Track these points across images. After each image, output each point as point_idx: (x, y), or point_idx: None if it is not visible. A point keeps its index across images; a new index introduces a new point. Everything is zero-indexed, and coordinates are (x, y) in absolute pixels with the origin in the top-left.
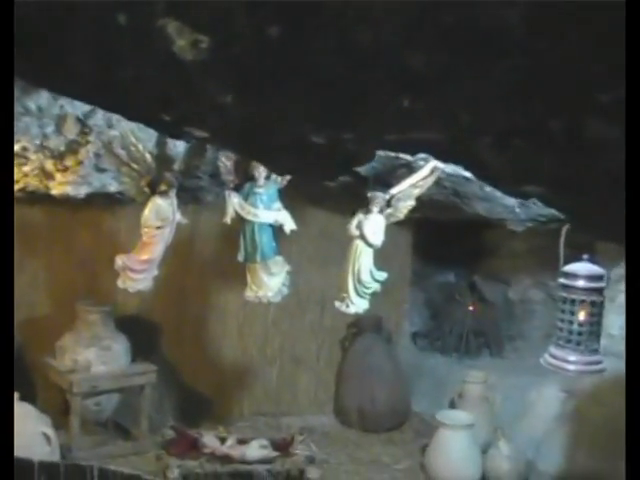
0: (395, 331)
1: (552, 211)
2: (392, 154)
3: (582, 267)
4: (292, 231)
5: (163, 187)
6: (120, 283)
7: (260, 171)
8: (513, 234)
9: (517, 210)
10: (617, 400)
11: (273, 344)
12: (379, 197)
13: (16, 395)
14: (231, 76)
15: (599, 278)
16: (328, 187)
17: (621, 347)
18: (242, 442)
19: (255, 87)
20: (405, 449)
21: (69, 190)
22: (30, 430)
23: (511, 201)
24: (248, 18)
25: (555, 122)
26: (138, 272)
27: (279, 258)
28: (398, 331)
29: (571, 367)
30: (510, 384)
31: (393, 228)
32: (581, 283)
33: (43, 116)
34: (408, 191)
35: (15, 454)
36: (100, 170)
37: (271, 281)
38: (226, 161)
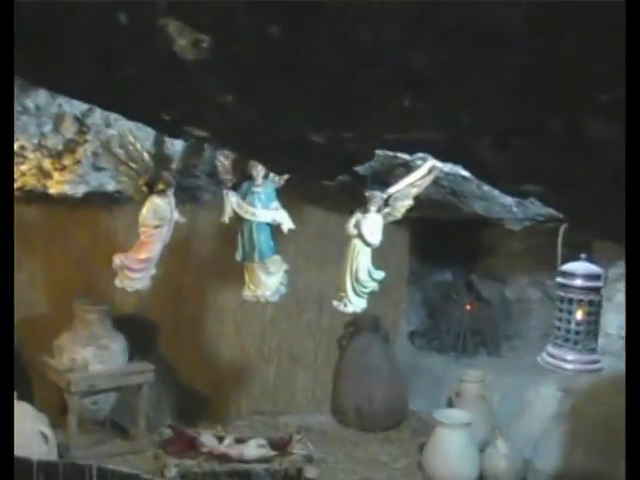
0: (392, 330)
1: (550, 210)
2: (390, 153)
3: (580, 266)
4: (290, 230)
5: (161, 186)
6: (118, 282)
7: (258, 170)
8: (510, 233)
9: (515, 209)
10: (614, 399)
11: (271, 343)
12: (377, 196)
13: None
14: (232, 75)
15: (597, 277)
16: (326, 186)
17: (618, 346)
18: (240, 441)
19: (256, 86)
20: (402, 448)
21: (67, 189)
22: (28, 429)
23: (509, 200)
24: (249, 18)
25: (555, 122)
26: (136, 271)
27: (277, 257)
28: (395, 330)
29: (569, 366)
30: (507, 383)
31: (390, 227)
32: (579, 282)
33: (41, 115)
34: (406, 190)
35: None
36: (98, 169)
37: (269, 280)
38: (224, 160)
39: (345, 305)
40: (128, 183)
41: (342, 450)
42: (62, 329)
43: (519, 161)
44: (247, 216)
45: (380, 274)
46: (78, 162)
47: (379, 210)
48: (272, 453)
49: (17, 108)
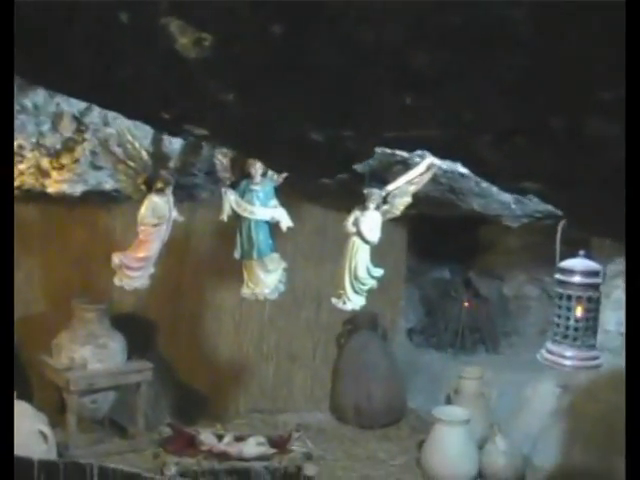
0: (390, 328)
1: (548, 207)
2: (388, 151)
3: (578, 263)
4: (288, 228)
5: (159, 185)
6: (117, 281)
7: (256, 168)
8: (508, 230)
9: (513, 206)
10: (613, 396)
11: (269, 341)
12: (375, 194)
13: None
14: (233, 74)
15: (595, 274)
16: (324, 184)
17: (617, 342)
18: (239, 439)
19: (257, 85)
20: (401, 445)
21: (65, 188)
22: (27, 428)
23: (507, 197)
24: (251, 16)
25: (555, 120)
26: (135, 270)
27: (275, 255)
28: (393, 328)
29: (568, 363)
30: (506, 380)
31: (388, 225)
32: (577, 279)
33: (39, 114)
34: (404, 188)
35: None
36: (96, 168)
37: (268, 278)
38: (222, 158)
39: (344, 303)
40: (127, 182)
41: (341, 448)
42: (60, 328)
43: (519, 159)
44: (245, 214)
45: (379, 271)
46: (76, 161)
47: (378, 207)
48: (271, 451)
49: (15, 107)
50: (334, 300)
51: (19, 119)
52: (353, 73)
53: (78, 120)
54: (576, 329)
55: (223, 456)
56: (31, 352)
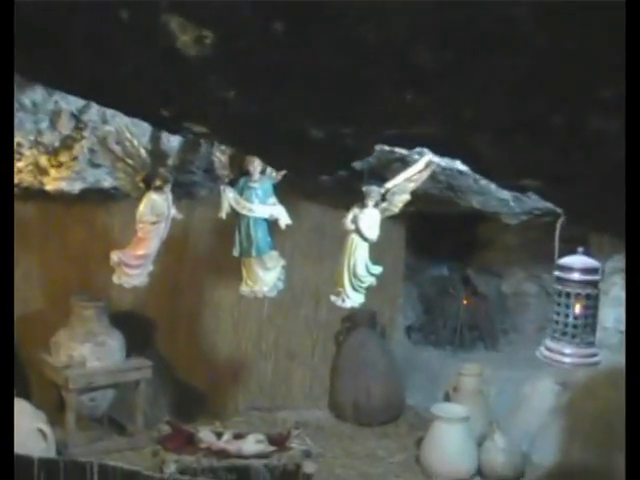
0: (389, 325)
1: (547, 204)
2: (387, 148)
3: (577, 260)
4: (286, 226)
5: (158, 182)
6: (115, 279)
7: (255, 166)
8: (506, 228)
9: (512, 203)
10: (611, 393)
11: (268, 339)
12: (374, 191)
13: None
14: (234, 71)
15: (594, 271)
16: (322, 181)
17: (615, 340)
18: (238, 437)
19: (258, 82)
20: (400, 442)
21: (63, 186)
22: (26, 427)
23: (506, 195)
24: (253, 14)
25: (556, 117)
26: (133, 268)
27: (274, 253)
28: (392, 325)
29: (567, 360)
30: (504, 377)
31: (386, 222)
32: (576, 276)
33: (37, 112)
34: (403, 185)
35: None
36: (94, 166)
37: (266, 276)
38: (221, 156)
39: (343, 300)
40: (125, 179)
41: (340, 445)
42: (58, 326)
43: (519, 156)
44: (244, 212)
45: (378, 269)
46: (75, 159)
47: (376, 205)
48: (270, 448)
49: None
50: (333, 298)
51: (17, 117)
52: (354, 71)
53: (76, 118)
54: (575, 326)
55: (222, 454)
56: (30, 350)
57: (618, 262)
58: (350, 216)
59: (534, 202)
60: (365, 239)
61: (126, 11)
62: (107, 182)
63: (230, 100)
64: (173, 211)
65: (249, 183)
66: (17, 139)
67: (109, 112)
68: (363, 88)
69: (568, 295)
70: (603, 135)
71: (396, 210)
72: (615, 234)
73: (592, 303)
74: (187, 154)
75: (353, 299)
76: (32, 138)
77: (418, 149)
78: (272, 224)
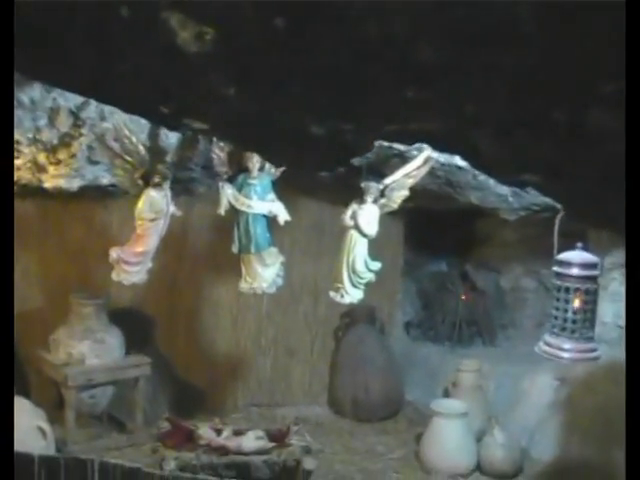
0: (388, 321)
1: (545, 200)
2: (385, 144)
3: (576, 255)
4: (285, 222)
5: (157, 179)
6: (114, 276)
7: (254, 162)
8: (504, 223)
9: (510, 199)
10: (610, 388)
11: (267, 335)
12: (373, 187)
13: None
14: (235, 68)
15: (593, 266)
16: (320, 178)
17: (614, 334)
18: (238, 433)
19: (258, 79)
20: (399, 438)
21: (62, 183)
22: (25, 424)
23: (504, 190)
24: (253, 10)
25: (556, 113)
26: (132, 265)
27: (273, 249)
28: (391, 321)
29: (566, 355)
30: (503, 372)
31: (385, 218)
32: (575, 271)
33: (36, 109)
34: (402, 181)
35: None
36: (93, 163)
37: (265, 272)
38: (219, 152)
39: (342, 296)
40: (124, 176)
41: (339, 441)
42: (57, 323)
43: (519, 151)
44: (243, 208)
45: (377, 265)
46: (73, 156)
47: (375, 201)
48: (270, 445)
49: None
50: (332, 294)
51: (16, 114)
52: (355, 67)
53: (75, 115)
54: (574, 321)
55: (222, 450)
56: (29, 348)
57: (617, 257)
58: (349, 212)
59: (533, 198)
60: (364, 235)
61: (126, 6)
62: (105, 179)
63: (230, 97)
64: (172, 208)
65: (248, 180)
66: (15, 137)
67: (107, 109)
68: (364, 84)
69: (567, 290)
70: (603, 131)
71: (395, 206)
72: (614, 230)
73: (591, 298)
74: (185, 151)
75: (352, 295)
76: (30, 136)
77: (417, 145)
78: (271, 220)
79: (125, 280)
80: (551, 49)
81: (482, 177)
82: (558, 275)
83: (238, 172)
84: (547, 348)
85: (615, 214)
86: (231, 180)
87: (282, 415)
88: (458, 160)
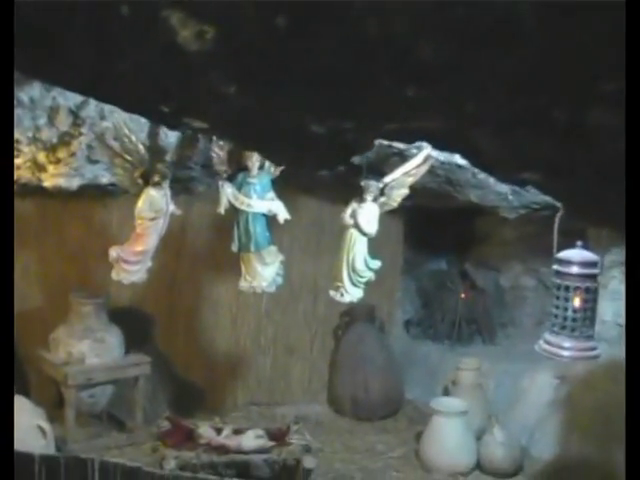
0: (387, 320)
1: (545, 198)
2: (385, 142)
3: (576, 254)
4: (285, 220)
5: (156, 178)
6: (114, 275)
7: (253, 161)
8: (504, 221)
9: (510, 197)
10: (609, 385)
11: (266, 334)
12: (373, 186)
13: None
14: (235, 66)
15: (593, 264)
16: (320, 176)
17: (614, 333)
18: (238, 432)
19: (259, 77)
20: (399, 437)
21: (61, 182)
22: (25, 423)
23: (504, 188)
24: (255, 8)
25: (556, 112)
26: (132, 264)
27: (273, 248)
28: (390, 320)
29: (566, 353)
30: (503, 371)
31: (384, 217)
32: (575, 269)
33: (35, 108)
34: (402, 179)
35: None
36: (92, 162)
37: (265, 271)
38: (219, 151)
39: (342, 295)
40: (123, 175)
41: (339, 440)
42: (57, 322)
43: (519, 150)
44: (243, 207)
45: (376, 263)
46: (73, 155)
47: (375, 199)
48: (270, 444)
49: None
50: (332, 293)
51: (15, 113)
52: (355, 65)
53: (74, 114)
54: (574, 320)
55: (222, 449)
56: (28, 347)
57: (616, 255)
58: (349, 211)
59: (532, 196)
60: (364, 234)
61: (126, 6)
62: (105, 178)
63: (230, 95)
64: (172, 207)
65: (247, 178)
66: (15, 136)
67: (107, 108)
68: (364, 83)
69: (567, 289)
70: (604, 130)
71: (395, 205)
72: (614, 228)
73: (591, 296)
74: (185, 150)
75: (352, 294)
76: (30, 135)
77: (417, 144)
78: (271, 219)
79: (125, 279)
80: (551, 48)
81: (482, 175)
82: (558, 273)
83: (238, 171)
84: (547, 346)
85: (615, 212)
86: (231, 179)
87: (282, 414)
88: (458, 158)
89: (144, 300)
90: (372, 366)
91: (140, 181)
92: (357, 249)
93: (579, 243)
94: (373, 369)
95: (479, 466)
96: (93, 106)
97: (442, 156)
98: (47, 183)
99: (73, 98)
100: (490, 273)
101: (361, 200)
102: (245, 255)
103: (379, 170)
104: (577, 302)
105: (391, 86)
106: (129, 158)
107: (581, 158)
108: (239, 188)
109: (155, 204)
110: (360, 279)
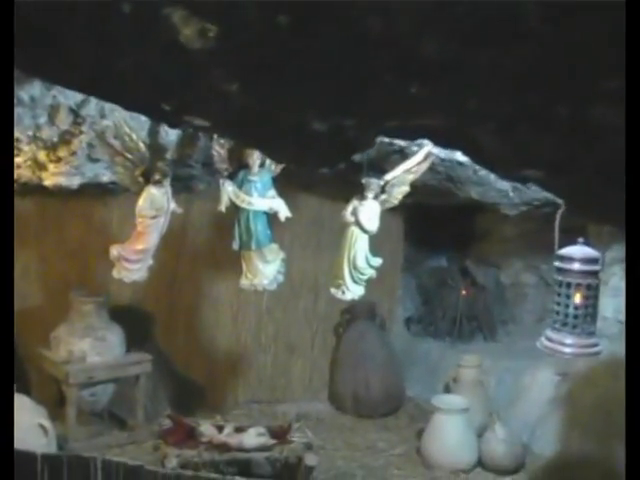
0: (388, 317)
1: (546, 195)
2: (386, 140)
3: (577, 250)
4: (285, 218)
5: (157, 176)
6: (115, 273)
7: (254, 159)
8: (504, 218)
9: (511, 194)
10: (610, 382)
11: (267, 332)
12: (374, 183)
13: None
14: (238, 64)
15: (594, 261)
16: (320, 174)
17: (615, 329)
18: (239, 430)
19: (261, 75)
20: (400, 434)
21: (62, 181)
22: (26, 422)
23: (505, 185)
24: (257, 6)
25: (558, 109)
26: (133, 262)
27: (274, 245)
28: (391, 317)
29: (567, 350)
30: (504, 368)
31: (385, 214)
32: (576, 266)
33: (36, 107)
34: (402, 177)
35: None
36: (93, 160)
37: (266, 269)
38: (220, 149)
39: (343, 292)
40: (124, 174)
41: (340, 437)
42: (58, 321)
43: (521, 147)
44: (244, 205)
45: (377, 261)
46: (73, 153)
47: (376, 197)
48: (272, 442)
49: None
50: (333, 290)
51: (16, 112)
52: (357, 63)
53: (75, 112)
54: (575, 316)
55: (223, 447)
56: (29, 346)
57: (617, 252)
58: (350, 208)
59: (533, 193)
60: (365, 231)
61: (127, 4)
62: (106, 177)
63: (232, 93)
64: (172, 205)
65: (248, 176)
66: (15, 134)
67: (107, 106)
68: (366, 80)
69: (569, 285)
70: (605, 127)
71: (396, 202)
72: (615, 225)
73: (592, 293)
74: (186, 148)
75: (353, 291)
76: (30, 133)
77: (418, 141)
78: (271, 217)
79: (126, 278)
80: (553, 45)
81: (483, 172)
82: (559, 270)
83: (238, 169)
84: (549, 343)
85: (616, 209)
86: (231, 177)
87: (283, 412)
88: (459, 156)
89: (145, 298)
90: (373, 363)
91: (141, 179)
92: (358, 246)
93: (580, 240)
94: (374, 366)
95: (480, 463)
96: (93, 105)
97: (443, 153)
98: (47, 182)
99: (73, 96)
100: (491, 270)
101: (362, 198)
102: (246, 253)
103: (380, 168)
104: (578, 299)
105: (392, 83)
106: (130, 156)
107: (582, 155)
108: (240, 186)
109: (156, 202)
110: (361, 276)
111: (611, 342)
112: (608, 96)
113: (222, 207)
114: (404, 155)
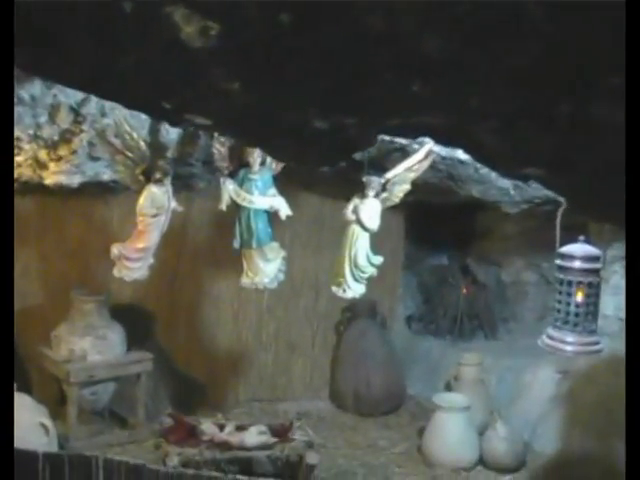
0: (389, 315)
1: (547, 193)
2: (387, 138)
3: (578, 248)
4: (286, 217)
5: (158, 175)
6: (116, 272)
7: (255, 157)
8: (505, 216)
9: (512, 192)
10: (611, 380)
11: (268, 330)
12: (375, 181)
13: None
14: (239, 63)
15: (595, 259)
16: (321, 172)
17: (615, 327)
18: (241, 429)
19: (263, 74)
20: (401, 432)
21: (62, 179)
22: (27, 421)
23: (506, 183)
24: (259, 4)
25: (559, 107)
26: (134, 261)
27: (275, 244)
28: (392, 315)
29: (569, 348)
30: (505, 366)
31: (385, 212)
32: (578, 264)
33: (36, 106)
34: (403, 175)
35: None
36: (93, 159)
37: (267, 267)
38: (220, 147)
39: (344, 291)
40: (125, 172)
41: (341, 436)
42: (59, 320)
43: (522, 145)
44: (244, 203)
45: (379, 259)
46: (74, 152)
47: (377, 195)
48: (273, 440)
49: None
50: (334, 288)
51: (16, 111)
52: (358, 61)
53: (75, 111)
54: (577, 314)
55: (225, 446)
56: (30, 345)
57: (618, 250)
58: (351, 207)
59: (534, 191)
60: (366, 229)
61: (129, 3)
62: (106, 175)
63: (233, 92)
64: (173, 203)
65: (249, 175)
66: (16, 133)
67: (108, 105)
68: (367, 79)
69: (570, 283)
70: (606, 124)
71: (397, 200)
72: (616, 222)
73: (594, 291)
74: (186, 146)
75: (354, 289)
76: (31, 132)
77: (419, 139)
78: (272, 215)
79: (127, 276)
80: (554, 44)
81: (484, 170)
82: (561, 268)
83: (239, 167)
84: (550, 341)
85: (616, 207)
86: (232, 175)
87: (284, 410)
88: (460, 154)
89: (146, 297)
90: (374, 362)
91: (141, 178)
92: (359, 245)
93: (581, 238)
94: (375, 365)
95: (482, 461)
96: (94, 103)
97: (444, 151)
98: (48, 180)
99: (74, 95)
100: (492, 268)
101: (363, 196)
102: (247, 251)
103: (381, 166)
104: (580, 297)
105: (393, 82)
106: (130, 155)
107: (583, 153)
108: (241, 184)
109: (157, 201)
110: (362, 275)
111: (612, 340)
112: (608, 95)
113: (223, 205)
114: (405, 153)
